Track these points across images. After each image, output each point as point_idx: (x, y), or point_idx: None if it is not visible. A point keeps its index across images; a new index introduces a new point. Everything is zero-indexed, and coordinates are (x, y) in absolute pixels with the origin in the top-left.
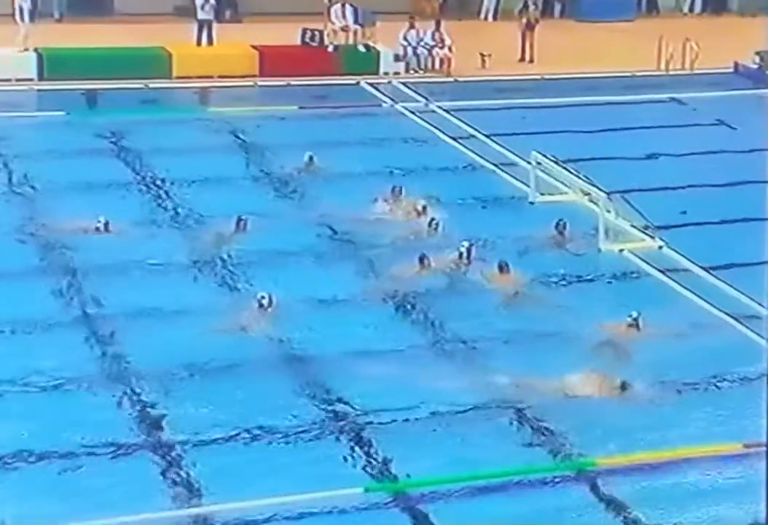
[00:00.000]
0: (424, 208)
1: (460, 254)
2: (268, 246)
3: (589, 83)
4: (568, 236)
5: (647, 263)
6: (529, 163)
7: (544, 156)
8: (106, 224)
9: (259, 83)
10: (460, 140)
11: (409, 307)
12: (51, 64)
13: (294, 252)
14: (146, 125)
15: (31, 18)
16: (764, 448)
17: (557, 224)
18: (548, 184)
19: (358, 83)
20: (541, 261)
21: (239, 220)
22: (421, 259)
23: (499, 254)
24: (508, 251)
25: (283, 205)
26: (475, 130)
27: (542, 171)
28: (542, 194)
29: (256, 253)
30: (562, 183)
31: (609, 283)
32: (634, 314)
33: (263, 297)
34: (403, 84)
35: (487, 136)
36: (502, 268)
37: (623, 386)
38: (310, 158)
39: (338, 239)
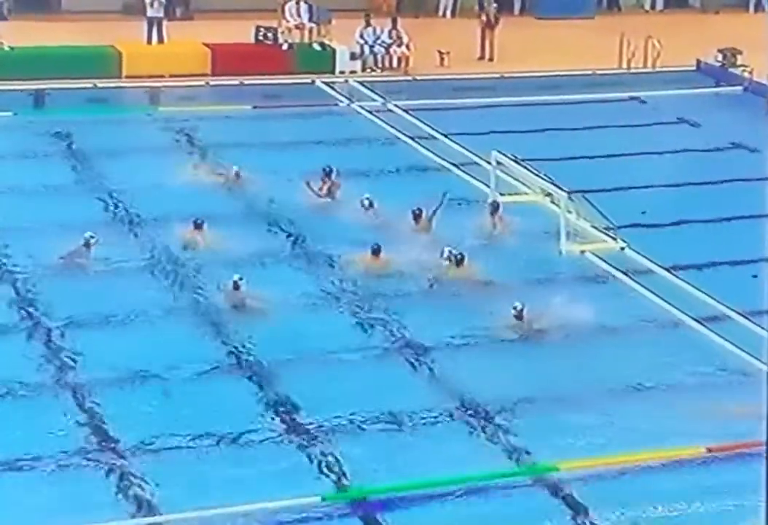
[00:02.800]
0: (371, 202)
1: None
2: (225, 247)
3: (549, 82)
4: (502, 218)
5: (609, 264)
6: (489, 162)
7: (505, 155)
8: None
9: (212, 82)
10: (418, 140)
11: (366, 308)
12: None
13: (252, 253)
14: (95, 125)
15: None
16: (762, 448)
17: (491, 205)
18: (509, 184)
19: (313, 82)
20: (502, 262)
21: (195, 221)
22: (375, 251)
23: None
24: (466, 252)
25: (235, 205)
26: (434, 129)
27: (502, 171)
28: (502, 194)
29: (213, 254)
30: (523, 183)
31: (570, 284)
32: (518, 305)
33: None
34: (360, 83)
35: (446, 136)
36: (459, 261)
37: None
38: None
39: (291, 239)
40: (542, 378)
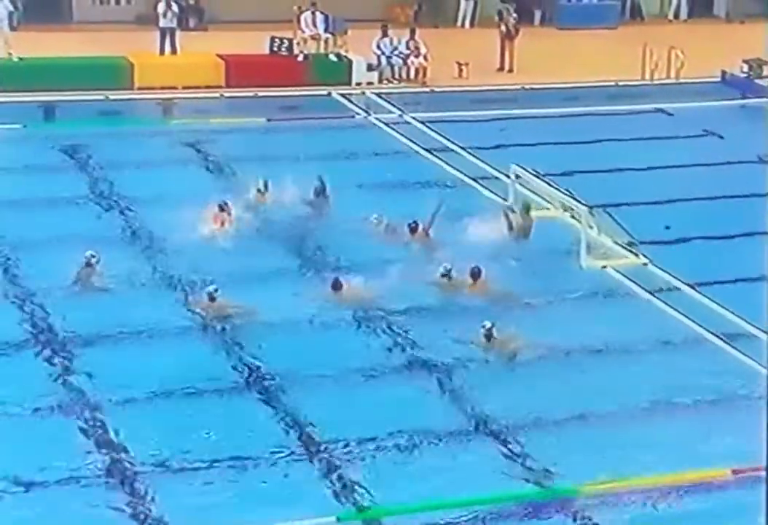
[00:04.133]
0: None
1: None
2: (240, 262)
3: (570, 93)
4: (513, 220)
5: (631, 280)
6: (508, 177)
7: (524, 169)
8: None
9: (225, 94)
10: (436, 153)
11: (376, 325)
12: (6, 75)
13: (266, 271)
14: (107, 138)
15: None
16: (762, 472)
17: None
18: (528, 198)
19: (329, 94)
20: (521, 277)
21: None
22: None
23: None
24: (485, 267)
25: (251, 221)
26: (452, 142)
27: (522, 185)
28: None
29: (226, 269)
30: (543, 198)
31: (590, 300)
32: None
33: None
34: (377, 94)
35: (465, 149)
36: (475, 276)
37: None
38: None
39: (305, 255)
40: (562, 397)
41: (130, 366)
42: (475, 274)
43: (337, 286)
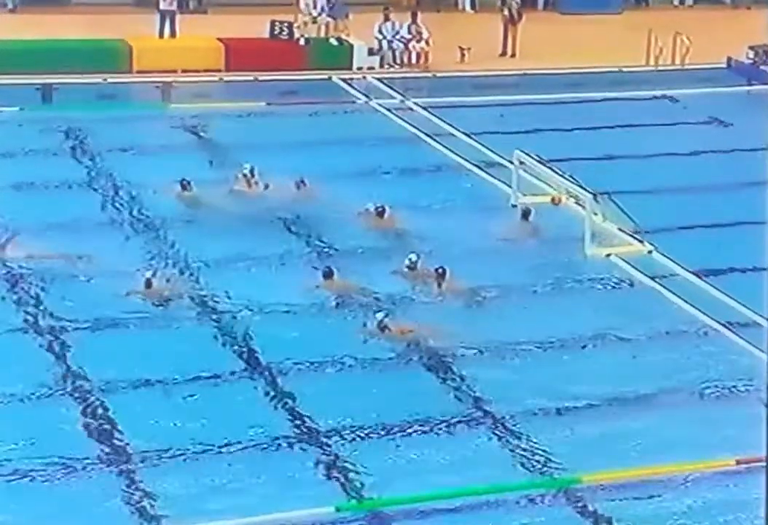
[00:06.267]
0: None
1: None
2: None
3: (574, 79)
4: (534, 223)
5: (635, 268)
6: (511, 162)
7: (528, 155)
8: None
9: (225, 78)
10: (438, 139)
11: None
12: (3, 57)
13: (261, 255)
14: (104, 122)
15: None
16: (762, 464)
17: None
18: (531, 185)
19: (330, 78)
20: (525, 265)
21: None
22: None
23: (479, 259)
24: (488, 256)
25: (247, 206)
26: (454, 128)
27: (525, 171)
28: (524, 196)
29: (224, 253)
30: (547, 184)
31: (594, 288)
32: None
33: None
34: (378, 79)
35: (467, 135)
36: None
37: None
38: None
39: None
40: (564, 385)
41: (126, 351)
42: (440, 274)
43: (328, 275)
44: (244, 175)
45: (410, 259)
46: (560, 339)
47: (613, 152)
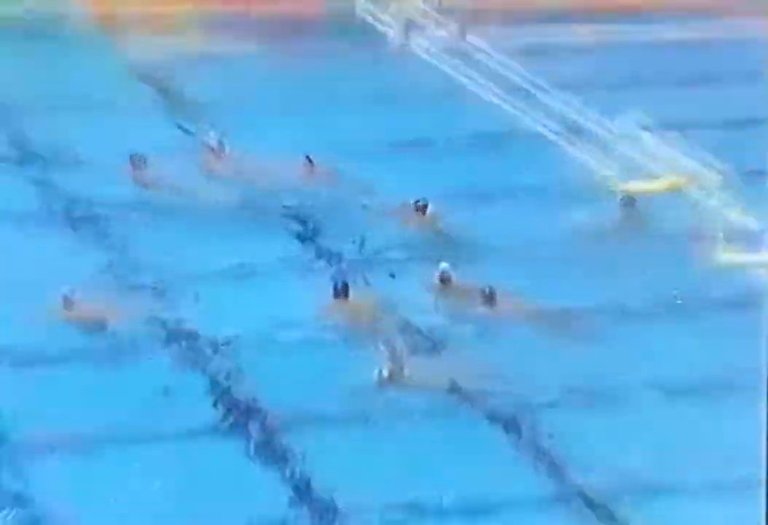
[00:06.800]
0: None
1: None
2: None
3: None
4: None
5: None
6: (607, 131)
7: (630, 120)
8: None
9: (205, 9)
10: (504, 96)
11: None
12: None
13: (248, 262)
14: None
15: None
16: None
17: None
18: (636, 163)
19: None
20: (628, 279)
21: None
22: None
23: (559, 270)
24: (572, 265)
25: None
26: (525, 79)
27: (628, 144)
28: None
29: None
30: (658, 162)
31: (722, 308)
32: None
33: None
34: (417, 10)
35: (541, 89)
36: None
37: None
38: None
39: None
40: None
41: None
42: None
43: (341, 292)
44: (211, 149)
45: (443, 271)
46: (686, 381)
47: (750, 113)
